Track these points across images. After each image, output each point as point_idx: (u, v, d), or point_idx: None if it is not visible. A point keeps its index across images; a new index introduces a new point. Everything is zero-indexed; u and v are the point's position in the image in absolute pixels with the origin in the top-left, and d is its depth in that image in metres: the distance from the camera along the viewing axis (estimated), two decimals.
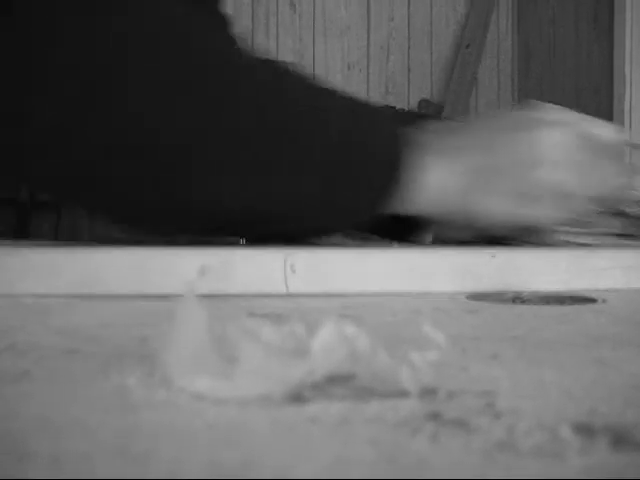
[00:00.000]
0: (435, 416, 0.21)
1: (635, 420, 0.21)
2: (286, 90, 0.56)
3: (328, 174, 0.55)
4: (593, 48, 2.79)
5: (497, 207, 0.58)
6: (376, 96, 3.16)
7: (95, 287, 0.45)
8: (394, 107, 0.76)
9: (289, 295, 0.47)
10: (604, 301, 0.46)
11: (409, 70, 3.28)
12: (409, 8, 3.31)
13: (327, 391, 0.23)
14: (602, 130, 0.61)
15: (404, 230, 0.64)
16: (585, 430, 0.20)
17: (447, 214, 0.59)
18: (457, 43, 3.30)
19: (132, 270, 0.45)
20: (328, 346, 0.23)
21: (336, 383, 0.23)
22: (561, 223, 0.62)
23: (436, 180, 0.56)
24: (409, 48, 3.30)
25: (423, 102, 3.16)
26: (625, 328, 0.39)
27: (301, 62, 3.16)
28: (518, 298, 0.47)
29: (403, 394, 0.23)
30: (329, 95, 0.58)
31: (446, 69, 3.29)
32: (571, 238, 0.64)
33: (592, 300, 0.46)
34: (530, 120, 0.59)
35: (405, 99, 3.21)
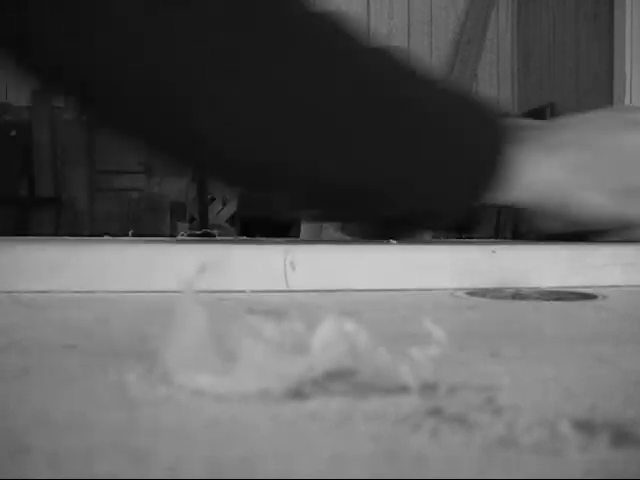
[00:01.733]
0: (435, 412, 0.21)
1: (635, 417, 0.21)
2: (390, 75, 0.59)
3: (439, 155, 0.57)
4: (593, 47, 2.79)
5: (595, 202, 0.60)
6: None
7: (94, 283, 0.45)
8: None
9: (289, 291, 0.47)
10: (604, 297, 0.46)
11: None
12: (409, 4, 3.31)
13: (327, 387, 0.23)
14: None
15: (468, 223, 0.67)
16: (585, 426, 0.20)
17: (547, 208, 0.61)
18: (457, 40, 3.30)
19: (131, 266, 0.45)
20: (328, 342, 0.23)
21: (336, 379, 0.23)
22: None
23: (539, 173, 0.59)
24: (409, 45, 3.30)
25: None
26: (625, 324, 0.39)
27: None
28: (518, 294, 0.47)
29: (403, 390, 0.23)
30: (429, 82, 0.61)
31: (446, 66, 3.29)
32: None
33: (592, 296, 0.46)
34: (628, 120, 0.62)
35: None
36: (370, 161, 0.57)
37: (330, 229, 0.62)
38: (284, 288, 0.47)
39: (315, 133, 0.55)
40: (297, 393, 0.22)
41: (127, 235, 0.61)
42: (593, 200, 0.60)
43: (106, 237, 0.57)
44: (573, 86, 2.86)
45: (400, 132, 0.57)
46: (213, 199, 3.53)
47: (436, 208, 0.60)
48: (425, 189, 0.59)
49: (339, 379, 0.23)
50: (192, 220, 3.53)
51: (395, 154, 0.57)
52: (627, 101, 2.54)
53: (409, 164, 0.57)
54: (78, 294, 0.44)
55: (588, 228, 0.63)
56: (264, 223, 2.41)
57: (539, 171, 0.59)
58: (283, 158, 0.56)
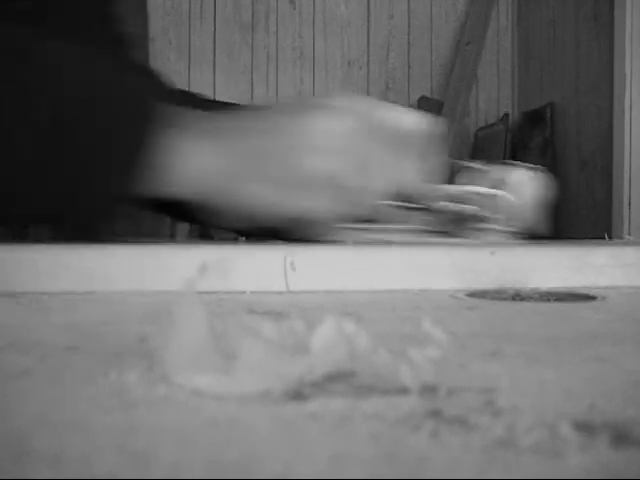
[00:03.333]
0: (435, 413, 0.21)
1: (635, 417, 0.21)
2: (58, 67, 0.53)
3: (74, 142, 0.51)
4: (593, 47, 2.79)
5: (260, 194, 0.54)
6: (376, 93, 3.16)
7: (95, 285, 0.45)
8: (180, 90, 0.69)
9: (289, 292, 0.47)
10: (604, 298, 0.46)
11: (409, 67, 3.28)
12: (409, 5, 3.31)
13: (327, 388, 0.23)
14: (403, 120, 0.56)
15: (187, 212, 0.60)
16: (585, 427, 0.20)
17: (210, 200, 0.55)
18: (457, 40, 3.30)
19: (132, 267, 0.45)
20: (328, 343, 0.23)
21: (336, 380, 0.23)
22: (351, 218, 0.57)
23: (195, 163, 0.53)
24: (409, 45, 3.30)
25: (423, 99, 3.16)
26: (625, 325, 0.39)
27: (301, 59, 3.16)
28: (518, 295, 0.47)
29: (403, 391, 0.23)
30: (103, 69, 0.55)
31: (446, 66, 3.29)
32: (364, 234, 0.60)
33: (592, 297, 0.46)
34: (311, 106, 0.55)
35: (405, 96, 3.21)
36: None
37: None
38: (284, 289, 0.47)
39: None
40: (297, 394, 0.22)
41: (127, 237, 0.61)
42: (258, 191, 0.53)
43: (106, 238, 0.57)
44: (573, 86, 2.86)
45: (32, 120, 0.51)
46: None
47: (77, 200, 0.53)
48: (59, 180, 0.52)
49: (339, 380, 0.23)
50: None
51: (23, 144, 0.51)
52: (627, 101, 2.54)
53: (38, 155, 0.51)
54: (79, 295, 0.44)
55: (264, 223, 0.56)
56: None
57: (202, 160, 0.53)
58: None
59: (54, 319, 0.37)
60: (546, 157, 2.91)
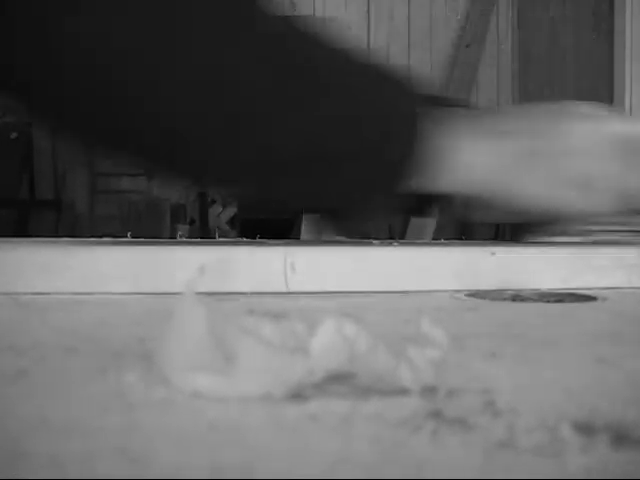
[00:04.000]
0: (435, 414, 0.21)
1: (636, 419, 0.21)
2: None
3: (358, 133, 0.55)
4: (593, 48, 2.79)
5: (532, 190, 0.58)
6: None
7: (94, 285, 0.45)
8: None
9: (289, 293, 0.47)
10: (605, 299, 0.46)
11: (409, 69, 3.28)
12: (409, 7, 3.31)
13: (327, 389, 0.23)
14: (631, 127, 0.61)
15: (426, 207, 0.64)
16: (585, 429, 0.20)
17: (482, 196, 0.59)
18: (457, 42, 3.30)
19: (131, 268, 0.45)
20: (328, 344, 0.23)
21: (336, 381, 0.23)
22: (592, 218, 0.62)
23: (475, 159, 0.57)
24: (409, 47, 3.30)
25: None
26: (625, 326, 0.39)
27: None
28: (518, 296, 0.47)
29: (403, 392, 0.23)
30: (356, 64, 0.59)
31: (446, 68, 3.29)
32: (601, 234, 0.64)
33: (592, 298, 0.46)
34: (566, 112, 0.61)
35: None
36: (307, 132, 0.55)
37: (330, 231, 0.61)
38: (284, 290, 0.47)
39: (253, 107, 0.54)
40: (297, 395, 0.22)
41: (126, 237, 0.61)
42: (530, 189, 0.58)
43: (106, 239, 0.57)
44: (573, 87, 2.86)
45: (328, 111, 0.55)
46: (213, 201, 3.53)
47: (357, 192, 0.58)
48: (348, 169, 0.56)
49: (339, 381, 0.23)
50: (192, 222, 3.53)
51: (324, 130, 0.55)
52: (627, 101, 2.54)
53: (333, 144, 0.55)
54: (78, 296, 0.44)
55: (523, 219, 0.61)
56: (264, 225, 2.42)
57: (475, 157, 0.57)
58: (230, 138, 0.54)
59: (52, 320, 0.37)
60: None
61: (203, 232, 3.33)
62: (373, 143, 0.56)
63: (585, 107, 0.61)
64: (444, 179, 0.57)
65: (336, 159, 0.55)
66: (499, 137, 0.58)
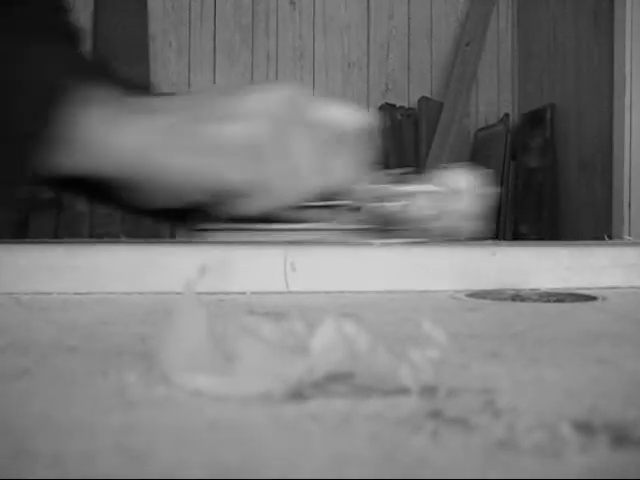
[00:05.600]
0: (435, 414, 0.21)
1: (635, 418, 0.21)
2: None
3: None
4: (593, 47, 2.79)
5: (182, 164, 0.52)
6: (376, 94, 3.16)
7: (95, 285, 0.45)
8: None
9: (289, 293, 0.47)
10: (604, 299, 0.46)
11: (409, 68, 3.28)
12: (409, 6, 3.31)
13: (327, 389, 0.23)
14: (336, 115, 0.55)
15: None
16: (585, 428, 0.20)
17: (132, 177, 0.53)
18: (457, 41, 3.30)
19: (132, 268, 0.45)
20: (328, 344, 0.23)
21: (336, 381, 0.23)
22: (273, 203, 0.55)
23: (116, 138, 0.52)
24: (409, 46, 3.30)
25: (423, 100, 3.16)
26: (625, 326, 0.39)
27: (301, 60, 3.17)
28: (518, 296, 0.47)
29: (403, 392, 0.23)
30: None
31: (446, 67, 3.29)
32: (292, 233, 0.58)
33: (592, 298, 0.46)
34: (247, 89, 0.55)
35: (405, 97, 3.21)
36: None
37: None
38: (284, 290, 0.47)
39: None
40: (297, 394, 0.22)
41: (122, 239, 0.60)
42: (180, 161, 0.52)
43: (106, 239, 0.57)
44: (573, 87, 2.86)
45: None
46: None
47: None
48: None
49: (339, 381, 0.23)
50: None
51: None
52: (627, 101, 2.54)
53: None
54: (78, 295, 0.44)
55: (187, 199, 0.55)
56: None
57: (119, 136, 0.51)
58: None
59: (54, 319, 0.37)
60: (546, 158, 2.92)
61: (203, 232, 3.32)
62: (5, 117, 0.50)
63: (278, 85, 0.55)
64: (87, 160, 0.52)
65: None
66: (150, 113, 0.53)
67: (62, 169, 0.52)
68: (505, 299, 0.46)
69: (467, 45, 3.25)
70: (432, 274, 0.49)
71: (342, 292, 0.47)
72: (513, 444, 0.19)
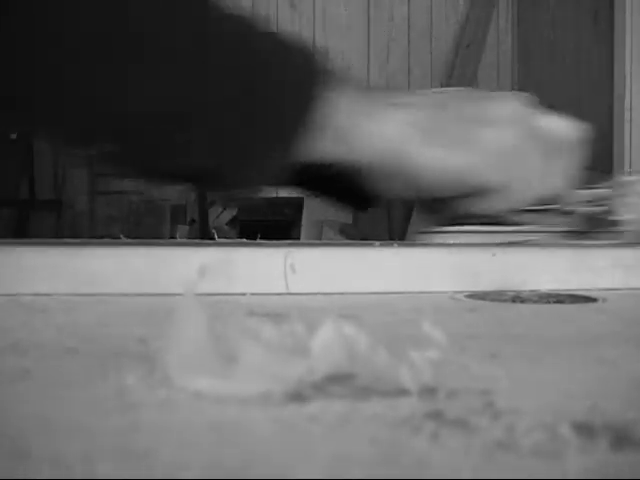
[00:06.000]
0: (435, 415, 0.21)
1: (636, 419, 0.21)
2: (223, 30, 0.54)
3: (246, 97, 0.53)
4: (593, 48, 2.79)
5: (433, 158, 0.54)
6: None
7: (95, 286, 0.45)
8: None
9: (289, 294, 0.47)
10: (604, 300, 0.46)
11: (409, 70, 3.28)
12: (409, 7, 3.31)
13: (327, 390, 0.23)
14: (558, 126, 0.59)
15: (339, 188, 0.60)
16: (585, 429, 0.20)
17: (387, 166, 0.55)
18: (457, 42, 3.30)
19: (132, 269, 0.45)
20: (328, 345, 0.23)
21: (336, 382, 0.23)
22: (504, 208, 0.58)
23: (370, 126, 0.54)
24: (409, 47, 3.30)
25: None
26: (625, 327, 0.39)
27: None
28: (518, 297, 0.47)
29: (403, 393, 0.23)
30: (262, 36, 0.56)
31: (446, 68, 3.29)
32: (502, 235, 0.59)
33: (592, 299, 0.46)
34: (479, 94, 0.59)
35: None
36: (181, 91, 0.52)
37: (330, 232, 0.59)
38: (284, 291, 0.47)
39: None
40: (297, 396, 0.22)
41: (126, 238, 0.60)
42: (431, 155, 0.54)
43: (106, 239, 0.57)
44: (573, 87, 2.86)
45: (209, 70, 0.53)
46: (213, 202, 3.53)
47: (247, 155, 0.54)
48: (231, 130, 0.53)
49: (339, 382, 0.23)
50: (192, 223, 3.52)
51: (202, 90, 0.52)
52: (627, 101, 2.54)
53: (214, 102, 0.52)
54: (78, 297, 0.44)
55: (432, 193, 0.57)
56: (264, 226, 2.41)
57: (378, 125, 0.54)
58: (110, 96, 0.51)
59: (54, 321, 0.37)
60: None
61: (203, 233, 3.32)
62: (267, 104, 0.53)
63: (509, 94, 0.59)
64: (343, 147, 0.54)
65: (230, 119, 0.52)
66: (402, 105, 0.55)
67: (315, 155, 0.53)
68: (505, 300, 0.46)
69: (467, 46, 3.25)
70: (431, 275, 0.49)
71: (342, 293, 0.47)
72: (513, 445, 0.19)
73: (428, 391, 0.23)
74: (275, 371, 0.22)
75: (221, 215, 3.57)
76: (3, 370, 0.26)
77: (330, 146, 0.53)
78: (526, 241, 0.59)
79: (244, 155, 0.54)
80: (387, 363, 0.23)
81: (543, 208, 0.61)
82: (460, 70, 3.20)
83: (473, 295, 0.47)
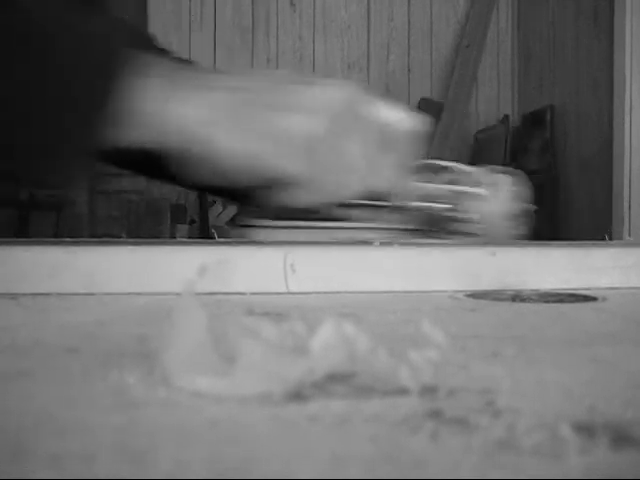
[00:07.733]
0: (435, 414, 0.21)
1: (635, 419, 0.21)
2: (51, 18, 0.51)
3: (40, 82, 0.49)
4: (593, 47, 2.79)
5: (239, 145, 0.51)
6: (376, 95, 3.16)
7: (94, 286, 0.45)
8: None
9: (289, 293, 0.47)
10: (604, 299, 0.46)
11: (409, 69, 3.28)
12: (409, 7, 3.31)
13: (327, 389, 0.23)
14: (392, 117, 0.56)
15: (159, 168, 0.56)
16: (585, 429, 0.20)
17: (187, 151, 0.52)
18: (457, 42, 3.30)
19: (131, 269, 0.45)
20: (328, 344, 0.23)
21: (336, 381, 0.23)
22: (323, 200, 0.55)
23: (175, 110, 0.51)
24: (409, 47, 3.30)
25: (423, 101, 3.16)
26: (625, 326, 0.39)
27: (301, 62, 3.17)
28: (518, 296, 0.47)
29: (403, 392, 0.23)
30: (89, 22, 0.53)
31: (446, 68, 3.29)
32: (335, 232, 0.58)
33: (592, 298, 0.46)
34: (306, 80, 0.55)
35: (405, 98, 3.21)
36: None
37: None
38: (284, 290, 0.47)
39: None
40: (297, 395, 0.22)
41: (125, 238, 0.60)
42: (237, 142, 0.51)
43: (106, 239, 0.57)
44: (573, 87, 2.86)
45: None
46: (213, 202, 3.53)
47: (40, 148, 0.50)
48: (18, 124, 0.49)
49: (339, 381, 0.23)
50: (192, 222, 3.53)
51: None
52: (627, 101, 2.54)
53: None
54: (78, 296, 0.44)
55: (237, 181, 0.54)
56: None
57: (184, 109, 0.51)
58: None
59: (54, 320, 0.37)
60: (546, 159, 2.92)
61: (203, 232, 3.32)
62: (58, 91, 0.49)
63: (338, 82, 0.55)
64: (149, 132, 0.51)
65: (18, 109, 0.49)
66: (210, 88, 0.52)
67: (121, 141, 0.51)
68: (505, 299, 0.46)
69: (467, 46, 3.25)
70: (432, 274, 0.49)
71: (342, 293, 0.47)
72: (513, 444, 0.19)
73: (428, 390, 0.23)
74: (275, 370, 0.22)
75: (221, 215, 3.57)
76: (3, 369, 0.26)
77: (136, 131, 0.51)
78: (355, 237, 0.57)
79: (38, 148, 0.50)
80: (387, 362, 0.23)
81: (375, 204, 0.58)
82: (460, 70, 3.20)
83: (473, 294, 0.47)
